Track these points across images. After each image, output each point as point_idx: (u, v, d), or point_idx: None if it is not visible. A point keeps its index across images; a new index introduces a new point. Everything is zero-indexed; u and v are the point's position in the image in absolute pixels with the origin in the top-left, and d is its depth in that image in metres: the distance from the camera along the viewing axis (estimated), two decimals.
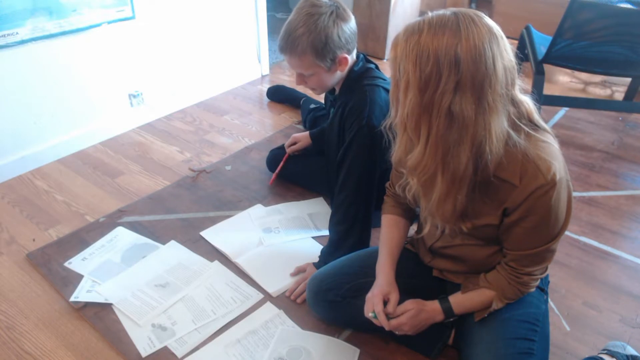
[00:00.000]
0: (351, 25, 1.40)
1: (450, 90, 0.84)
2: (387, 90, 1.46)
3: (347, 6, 1.42)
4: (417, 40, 0.84)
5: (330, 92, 1.61)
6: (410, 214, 1.29)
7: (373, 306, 1.14)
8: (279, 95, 2.72)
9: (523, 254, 1.03)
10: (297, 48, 1.37)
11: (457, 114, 0.85)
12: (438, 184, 0.93)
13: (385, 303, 1.15)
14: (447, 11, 0.86)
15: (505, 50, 0.86)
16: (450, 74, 0.83)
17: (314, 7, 1.36)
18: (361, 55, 1.52)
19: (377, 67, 1.54)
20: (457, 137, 0.87)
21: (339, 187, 1.47)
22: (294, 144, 1.93)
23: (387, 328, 1.13)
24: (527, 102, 0.95)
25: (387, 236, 1.25)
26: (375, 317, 1.14)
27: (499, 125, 0.88)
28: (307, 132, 1.93)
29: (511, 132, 0.90)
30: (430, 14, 0.87)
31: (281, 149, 1.99)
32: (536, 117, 0.96)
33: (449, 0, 3.90)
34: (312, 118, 2.27)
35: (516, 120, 0.92)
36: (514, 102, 0.92)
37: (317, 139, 1.89)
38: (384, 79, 1.50)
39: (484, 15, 0.87)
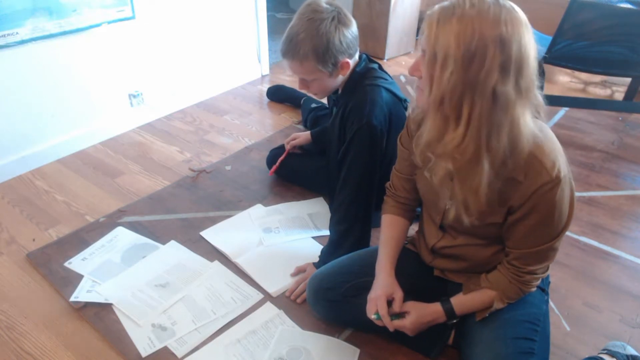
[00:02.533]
0: (352, 30, 1.41)
1: (495, 70, 0.82)
2: (388, 90, 1.47)
3: (348, 6, 1.43)
4: (461, 15, 0.83)
5: (333, 92, 1.61)
6: (410, 214, 1.29)
7: (376, 307, 1.14)
8: (279, 95, 2.72)
9: (526, 252, 1.03)
10: (298, 53, 1.38)
11: (501, 95, 0.84)
12: (484, 166, 0.90)
13: (389, 302, 1.15)
14: None
15: (533, 39, 0.87)
16: (496, 53, 0.82)
17: (315, 13, 1.37)
18: (364, 56, 1.52)
19: (380, 66, 1.54)
20: (499, 119, 0.86)
21: (340, 186, 1.47)
22: (294, 140, 1.94)
23: (391, 329, 1.14)
24: (539, 95, 0.95)
25: (387, 235, 1.25)
26: (378, 318, 1.14)
27: (530, 113, 0.89)
28: (308, 131, 1.93)
29: (535, 127, 0.91)
30: None
31: (281, 148, 1.99)
32: (542, 110, 0.97)
33: None
34: (313, 117, 2.27)
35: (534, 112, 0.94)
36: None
37: (318, 138, 1.89)
38: (386, 79, 1.50)
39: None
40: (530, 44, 0.84)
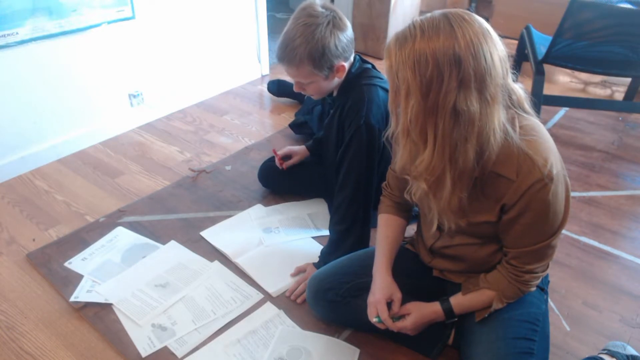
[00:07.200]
0: (348, 33, 1.41)
1: (453, 89, 0.84)
2: (384, 89, 1.47)
3: (348, 6, 1.42)
4: (412, 47, 0.84)
5: (329, 94, 1.61)
6: (406, 214, 1.29)
7: (377, 311, 1.14)
8: (280, 90, 2.70)
9: (523, 251, 1.03)
10: (294, 58, 1.37)
11: (463, 111, 0.85)
12: (447, 182, 0.93)
13: (388, 304, 1.15)
14: (436, 13, 0.87)
15: (497, 42, 0.87)
16: (452, 73, 0.83)
17: (310, 18, 1.36)
18: (357, 57, 1.52)
19: (373, 66, 1.55)
20: (464, 133, 0.87)
21: (339, 187, 1.47)
22: (288, 155, 1.88)
23: (394, 330, 1.14)
24: (518, 89, 0.96)
25: (383, 235, 1.25)
26: (380, 321, 1.14)
27: (500, 115, 0.89)
28: (303, 146, 1.90)
29: (507, 125, 0.91)
30: (418, 18, 0.87)
31: (272, 160, 1.91)
32: (526, 104, 0.97)
33: (449, 0, 3.90)
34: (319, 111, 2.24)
35: (510, 108, 0.94)
36: (509, 91, 0.93)
37: (315, 150, 1.87)
38: (381, 78, 1.50)
39: (471, 12, 0.88)
40: (492, 50, 0.85)
